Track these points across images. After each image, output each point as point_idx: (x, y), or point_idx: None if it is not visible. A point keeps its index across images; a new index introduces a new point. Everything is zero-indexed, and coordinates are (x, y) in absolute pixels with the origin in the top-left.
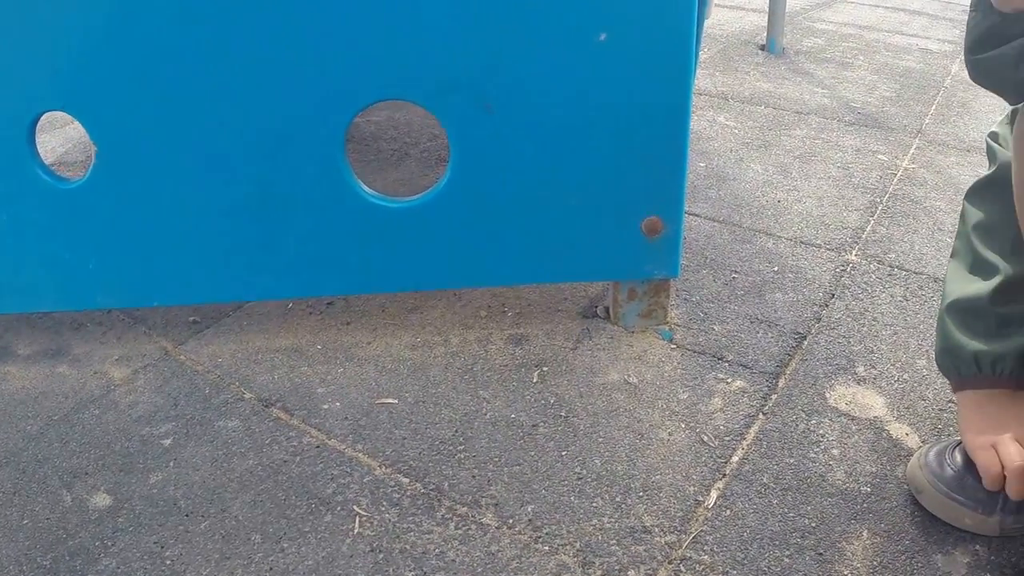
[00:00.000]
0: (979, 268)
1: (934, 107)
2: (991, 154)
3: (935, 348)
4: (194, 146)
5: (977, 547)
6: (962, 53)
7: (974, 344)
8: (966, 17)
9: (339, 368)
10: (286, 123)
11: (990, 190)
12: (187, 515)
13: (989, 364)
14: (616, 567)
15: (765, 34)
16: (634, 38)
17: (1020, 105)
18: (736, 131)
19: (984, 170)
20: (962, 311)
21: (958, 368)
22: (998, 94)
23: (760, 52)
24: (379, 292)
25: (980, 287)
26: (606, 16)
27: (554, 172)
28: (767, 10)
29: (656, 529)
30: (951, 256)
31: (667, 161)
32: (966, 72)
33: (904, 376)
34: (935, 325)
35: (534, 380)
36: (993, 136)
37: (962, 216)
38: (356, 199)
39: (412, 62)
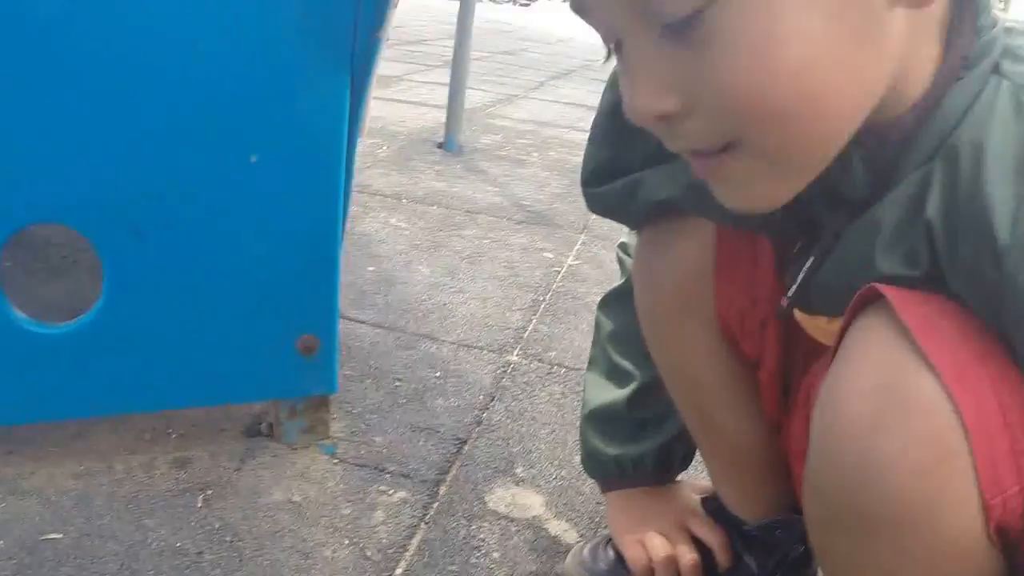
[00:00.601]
0: (615, 376)
1: None
2: (621, 265)
3: (581, 455)
4: None
5: None
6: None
7: (614, 449)
8: (599, 105)
9: (1, 503)
10: None
11: (621, 300)
12: None
13: (630, 465)
14: None
15: (444, 131)
16: (285, 161)
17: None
18: (407, 233)
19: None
20: (601, 419)
21: (602, 472)
22: (617, 222)
23: (438, 150)
24: (38, 421)
25: (617, 394)
26: (258, 138)
27: (209, 295)
28: (447, 107)
29: None
30: (589, 364)
31: (319, 281)
32: None
33: (562, 473)
34: (579, 432)
35: (199, 505)
36: (623, 247)
37: (597, 326)
38: (8, 325)
39: (63, 188)
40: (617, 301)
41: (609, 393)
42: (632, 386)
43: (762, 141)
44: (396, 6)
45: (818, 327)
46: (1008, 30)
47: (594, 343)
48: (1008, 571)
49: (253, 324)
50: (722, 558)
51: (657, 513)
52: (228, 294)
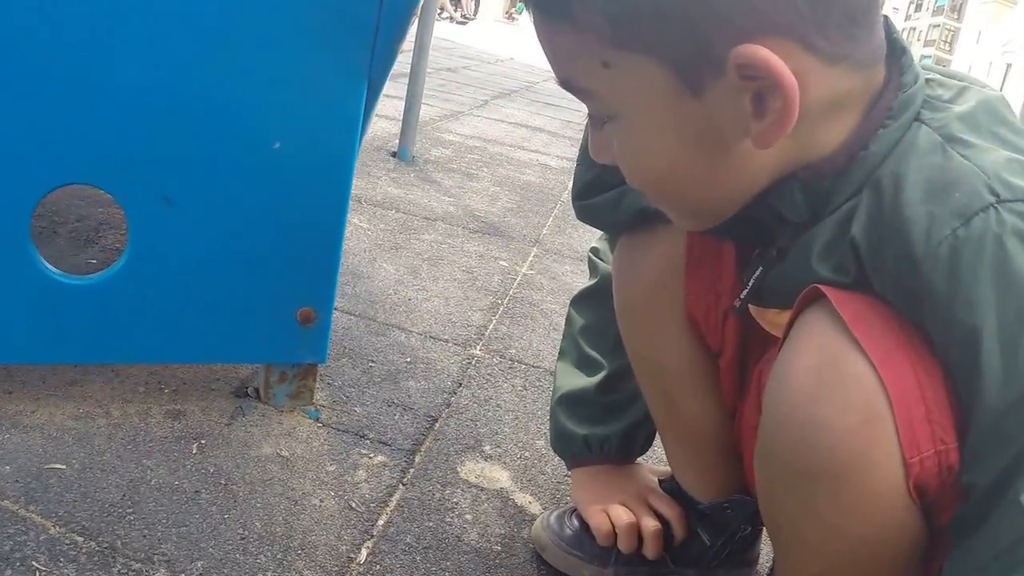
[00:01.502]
0: (585, 365)
1: (551, 219)
2: (592, 267)
3: (550, 435)
4: None
5: None
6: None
7: (582, 429)
8: (582, 136)
9: (5, 434)
10: None
11: (593, 298)
12: None
13: (597, 445)
14: None
15: (397, 141)
16: (305, 150)
17: (619, 237)
18: (370, 233)
19: (588, 280)
20: (571, 402)
21: (571, 450)
22: (602, 230)
23: (392, 159)
24: (45, 363)
25: (587, 381)
26: (282, 128)
27: (223, 264)
28: (399, 118)
29: None
30: (559, 355)
31: (324, 259)
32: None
33: (525, 454)
34: (549, 414)
35: (194, 451)
36: (594, 251)
37: (569, 320)
38: (35, 274)
39: (103, 153)
40: (588, 299)
41: (580, 380)
42: (601, 374)
43: (656, 202)
44: (414, 23)
45: (769, 320)
46: (928, 81)
47: (565, 336)
48: (929, 538)
49: (261, 292)
50: (678, 530)
51: (620, 488)
52: (242, 263)
